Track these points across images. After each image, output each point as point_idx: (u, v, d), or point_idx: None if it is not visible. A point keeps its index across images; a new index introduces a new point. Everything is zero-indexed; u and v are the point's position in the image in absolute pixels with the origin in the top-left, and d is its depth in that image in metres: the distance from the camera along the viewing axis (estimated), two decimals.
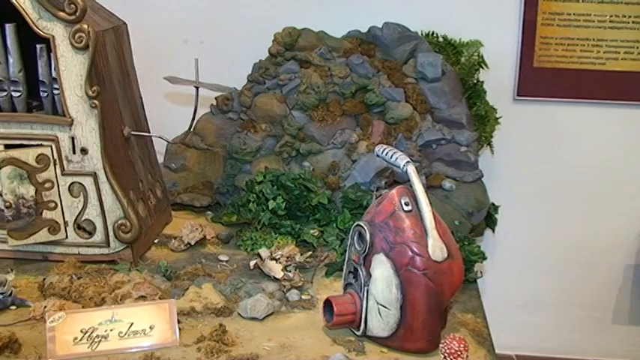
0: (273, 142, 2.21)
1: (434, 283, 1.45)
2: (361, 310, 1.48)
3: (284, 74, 2.23)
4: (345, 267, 1.59)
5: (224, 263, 1.86)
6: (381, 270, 1.46)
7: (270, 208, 1.97)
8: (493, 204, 2.32)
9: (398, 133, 2.18)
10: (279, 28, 2.30)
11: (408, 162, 1.50)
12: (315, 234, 1.95)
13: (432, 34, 2.41)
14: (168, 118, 2.24)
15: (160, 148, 2.19)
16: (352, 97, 2.21)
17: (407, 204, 1.49)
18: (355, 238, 1.54)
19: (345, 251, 1.59)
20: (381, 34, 2.31)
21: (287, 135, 2.19)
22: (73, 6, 1.69)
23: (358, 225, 1.53)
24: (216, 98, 2.29)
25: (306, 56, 2.25)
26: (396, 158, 1.52)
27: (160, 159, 2.23)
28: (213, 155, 2.26)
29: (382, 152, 1.57)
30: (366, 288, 1.48)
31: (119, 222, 1.80)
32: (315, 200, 2.00)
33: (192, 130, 2.08)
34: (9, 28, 1.75)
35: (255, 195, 2.02)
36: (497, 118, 2.39)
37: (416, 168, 1.50)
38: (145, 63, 2.10)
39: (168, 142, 2.06)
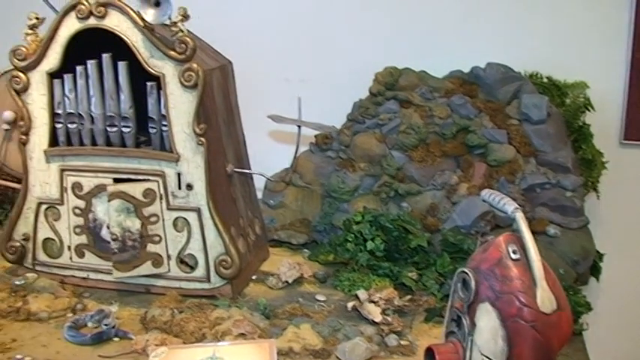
0: (372, 181, 2.20)
1: (542, 335, 1.39)
2: None
3: (384, 114, 2.22)
4: (447, 314, 1.54)
5: (322, 303, 1.84)
6: (487, 320, 1.42)
7: (368, 248, 1.95)
8: (598, 252, 2.23)
9: (500, 175, 2.13)
10: (380, 68, 2.31)
11: (516, 208, 1.45)
12: (414, 277, 1.92)
13: (536, 74, 2.36)
14: (267, 154, 2.26)
15: (258, 184, 2.21)
16: (453, 138, 2.18)
17: (515, 252, 1.44)
18: (459, 285, 1.49)
19: (445, 296, 1.55)
20: (484, 74, 2.28)
21: (386, 175, 2.17)
22: (183, 45, 1.73)
23: (463, 272, 1.48)
24: (315, 136, 2.31)
25: (407, 96, 2.24)
26: (504, 204, 1.48)
27: (259, 195, 2.25)
28: (311, 193, 2.27)
29: (489, 197, 1.53)
30: (469, 338, 1.43)
31: (220, 258, 1.82)
32: (414, 243, 1.97)
33: (293, 167, 2.09)
34: (121, 65, 1.81)
35: (353, 235, 2.01)
36: (604, 163, 2.30)
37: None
38: (247, 100, 2.13)
39: (269, 179, 2.07)
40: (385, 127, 2.21)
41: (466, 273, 1.47)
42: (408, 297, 1.82)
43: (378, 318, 1.70)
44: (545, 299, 1.40)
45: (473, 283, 1.44)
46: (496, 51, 2.34)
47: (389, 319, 1.69)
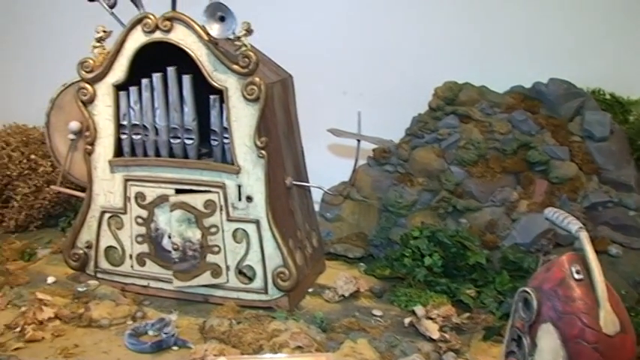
0: (430, 196, 2.19)
1: (604, 358, 1.36)
2: None
3: (443, 129, 2.21)
4: (507, 333, 1.52)
5: (378, 318, 1.84)
6: (548, 340, 1.39)
7: (426, 264, 1.94)
8: None
9: (562, 193, 2.10)
10: (440, 82, 2.30)
11: (580, 228, 1.43)
12: (472, 294, 1.90)
13: (599, 91, 2.33)
14: (325, 167, 2.26)
15: (316, 197, 2.22)
16: (514, 154, 2.15)
17: (578, 272, 1.41)
18: (520, 304, 1.47)
19: (504, 315, 1.53)
20: (546, 90, 2.25)
21: (444, 190, 2.16)
22: (246, 60, 1.76)
23: (524, 291, 1.46)
24: (373, 150, 2.31)
25: (467, 111, 2.22)
26: (568, 223, 1.46)
27: (316, 207, 2.25)
28: (368, 207, 2.27)
29: (552, 215, 1.51)
30: (530, 358, 1.41)
31: (278, 270, 1.83)
32: (473, 259, 1.95)
33: (351, 181, 2.09)
34: (186, 79, 1.84)
35: (410, 250, 2.00)
36: None
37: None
38: (305, 113, 2.14)
39: (327, 192, 2.08)
40: (444, 142, 2.20)
41: (528, 292, 1.45)
42: (467, 315, 1.80)
43: (436, 335, 1.69)
44: (608, 321, 1.37)
45: (535, 303, 1.42)
46: (558, 66, 2.31)
47: (447, 336, 1.68)
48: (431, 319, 1.74)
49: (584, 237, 1.42)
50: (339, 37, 2.51)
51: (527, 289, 1.45)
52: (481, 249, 2.01)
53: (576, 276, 1.41)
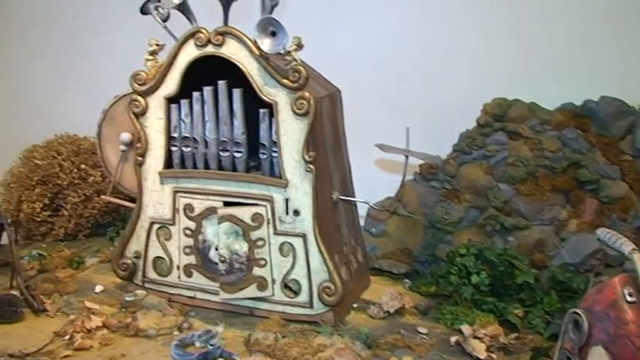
0: (477, 213, 2.17)
1: None
2: None
3: (492, 145, 2.19)
4: (556, 355, 1.50)
5: (424, 336, 1.82)
6: None
7: (472, 282, 1.91)
8: None
9: (612, 213, 2.06)
10: (489, 99, 2.28)
11: (634, 249, 1.40)
12: (520, 314, 1.87)
13: None
14: (370, 182, 2.26)
15: (361, 211, 2.21)
16: (563, 173, 2.13)
17: (630, 294, 1.39)
18: (570, 325, 1.45)
19: (552, 336, 1.51)
20: (597, 107, 2.22)
21: (492, 207, 2.14)
22: (296, 74, 1.77)
23: (575, 312, 1.44)
24: (420, 166, 2.30)
25: (516, 128, 2.20)
26: (621, 244, 1.44)
27: (361, 222, 2.25)
28: (414, 223, 2.25)
29: (604, 236, 1.49)
30: None
31: (324, 284, 1.83)
32: (521, 278, 1.92)
33: (398, 197, 2.08)
34: (236, 92, 1.86)
35: (456, 267, 1.98)
36: None
37: None
38: (352, 128, 2.14)
39: (374, 207, 2.08)
40: (493, 159, 2.18)
41: (579, 314, 1.42)
42: (514, 335, 1.78)
43: (483, 355, 1.67)
44: None
45: (585, 325, 1.39)
46: (609, 84, 2.27)
47: (494, 356, 1.66)
48: (478, 338, 1.72)
49: (638, 259, 1.39)
50: (387, 52, 2.52)
51: (577, 311, 1.43)
52: (529, 268, 1.98)
53: (629, 298, 1.39)
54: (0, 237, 2.12)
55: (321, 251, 1.82)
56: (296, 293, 1.87)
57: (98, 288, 2.08)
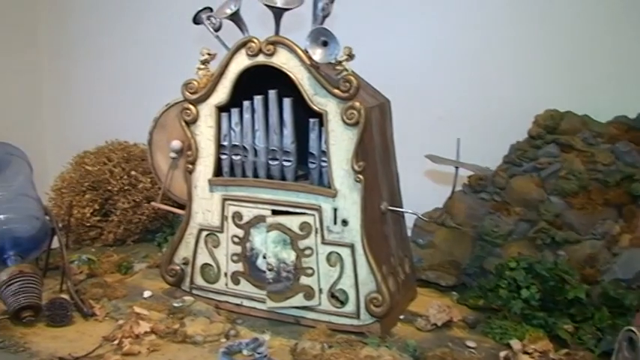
0: (527, 226, 2.14)
1: None
2: None
3: (543, 158, 2.16)
4: None
5: (472, 350, 1.80)
6: None
7: (523, 297, 1.88)
8: None
9: None
10: (540, 110, 2.25)
11: None
12: (570, 330, 1.83)
13: None
14: (418, 193, 2.24)
15: (408, 222, 2.20)
16: (617, 186, 2.08)
17: None
18: (625, 343, 1.42)
19: (604, 353, 1.48)
20: None
21: (542, 220, 2.10)
22: (347, 84, 1.77)
23: (630, 330, 1.41)
24: (469, 177, 2.27)
25: (568, 140, 2.17)
26: None
27: (408, 233, 2.23)
28: (462, 235, 2.23)
29: None
30: None
31: (371, 295, 1.82)
32: (572, 294, 1.88)
33: (446, 208, 2.07)
34: (286, 102, 1.86)
35: (505, 281, 1.95)
36: None
37: None
38: (400, 138, 2.13)
39: (422, 218, 2.06)
40: (544, 172, 2.14)
41: (633, 331, 1.40)
42: (564, 351, 1.75)
43: None
44: None
45: None
46: None
47: None
48: (527, 353, 1.69)
49: None
50: (436, 62, 2.50)
51: (632, 329, 1.41)
52: (580, 283, 1.94)
53: None
54: (51, 241, 2.15)
55: (368, 261, 1.81)
56: (343, 303, 1.86)
57: (146, 293, 2.10)
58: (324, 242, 1.85)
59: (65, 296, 1.97)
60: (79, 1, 3.18)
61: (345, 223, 1.82)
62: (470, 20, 2.44)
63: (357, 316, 1.84)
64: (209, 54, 1.95)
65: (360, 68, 1.92)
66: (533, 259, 1.99)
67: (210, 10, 2.03)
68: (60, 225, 2.15)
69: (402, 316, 1.98)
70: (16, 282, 1.89)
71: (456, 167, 1.92)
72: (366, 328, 1.84)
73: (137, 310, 1.93)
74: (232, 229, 1.95)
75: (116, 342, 1.77)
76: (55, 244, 2.15)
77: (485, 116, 2.43)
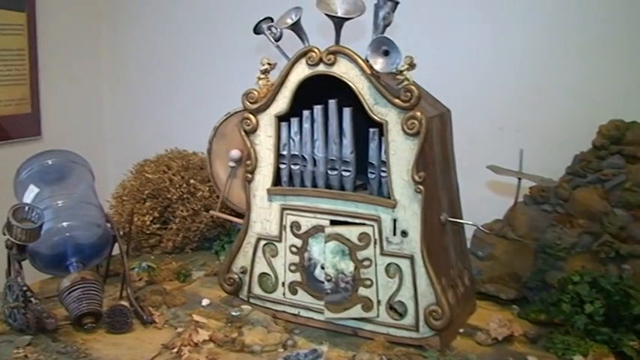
0: (590, 239, 2.08)
1: None
2: None
3: (608, 169, 2.10)
4: None
5: None
6: None
7: (587, 311, 1.83)
8: None
9: None
10: (604, 120, 2.19)
11: None
12: (636, 347, 1.78)
13: None
14: (478, 204, 2.21)
15: (467, 233, 2.17)
16: None
17: None
18: None
19: None
20: None
21: (607, 233, 2.05)
22: (408, 94, 1.75)
23: None
24: (530, 188, 2.23)
25: (634, 151, 2.10)
26: None
27: (467, 244, 2.20)
28: (523, 247, 2.18)
29: None
30: None
31: (430, 308, 1.79)
32: (637, 309, 1.83)
33: (507, 220, 2.03)
34: (346, 111, 1.86)
35: (568, 295, 1.90)
36: None
37: None
38: (460, 148, 2.10)
39: (483, 230, 2.03)
40: (609, 183, 2.09)
41: None
42: None
43: None
44: None
45: None
46: None
47: None
48: None
49: None
50: (496, 71, 2.46)
51: None
52: None
53: None
54: (112, 248, 2.18)
55: (428, 273, 1.79)
56: (401, 315, 1.84)
57: (205, 302, 2.12)
58: (383, 253, 1.83)
59: (125, 303, 1.99)
60: (141, 9, 3.23)
61: (404, 234, 1.80)
62: (531, 31, 2.40)
63: (416, 328, 1.82)
64: (269, 64, 1.96)
65: (420, 77, 1.90)
66: (598, 272, 1.94)
67: (271, 20, 2.04)
68: (121, 232, 2.18)
69: (461, 330, 1.94)
70: (78, 289, 1.92)
71: (519, 178, 1.88)
72: (425, 342, 1.81)
73: (196, 318, 1.94)
74: (290, 239, 1.94)
75: (175, 350, 1.78)
76: (116, 251, 2.18)
77: (548, 126, 2.38)
